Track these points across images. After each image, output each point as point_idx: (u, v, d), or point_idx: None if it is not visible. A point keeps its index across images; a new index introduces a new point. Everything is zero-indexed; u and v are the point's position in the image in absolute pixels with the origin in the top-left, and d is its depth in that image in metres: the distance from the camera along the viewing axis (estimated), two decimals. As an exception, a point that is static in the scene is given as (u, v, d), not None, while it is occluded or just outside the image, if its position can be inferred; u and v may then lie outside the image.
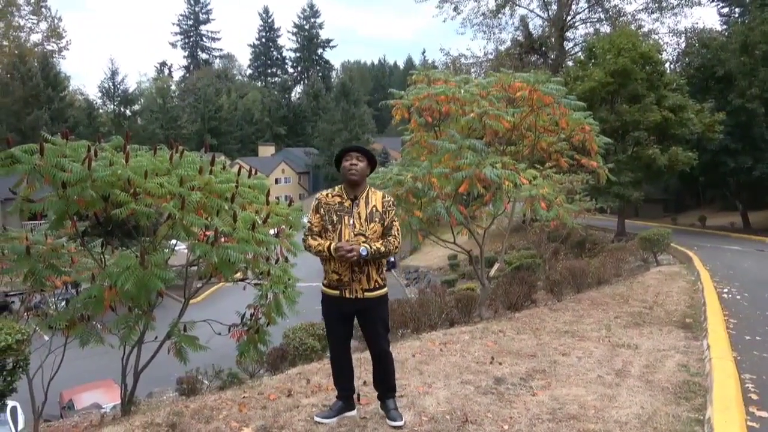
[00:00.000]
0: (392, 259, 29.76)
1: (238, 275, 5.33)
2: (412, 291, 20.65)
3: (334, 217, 3.16)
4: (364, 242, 3.11)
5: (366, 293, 3.18)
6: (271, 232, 5.00)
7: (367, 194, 3.23)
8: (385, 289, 3.28)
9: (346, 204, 3.18)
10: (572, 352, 5.41)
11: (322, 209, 3.22)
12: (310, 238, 3.25)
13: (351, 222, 3.14)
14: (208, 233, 4.43)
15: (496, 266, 10.73)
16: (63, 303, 5.67)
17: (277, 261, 5.19)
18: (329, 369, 4.90)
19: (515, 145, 9.91)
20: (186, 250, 4.96)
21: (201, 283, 5.43)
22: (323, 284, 3.27)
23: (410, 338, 6.54)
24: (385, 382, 3.37)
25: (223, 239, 4.35)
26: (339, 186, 3.31)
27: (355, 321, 3.32)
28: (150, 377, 5.51)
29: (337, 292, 3.20)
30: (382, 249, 3.12)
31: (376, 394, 3.45)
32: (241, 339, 5.38)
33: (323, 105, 66.11)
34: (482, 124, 8.18)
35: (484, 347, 5.66)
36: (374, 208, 3.18)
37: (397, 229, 3.24)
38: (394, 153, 47.96)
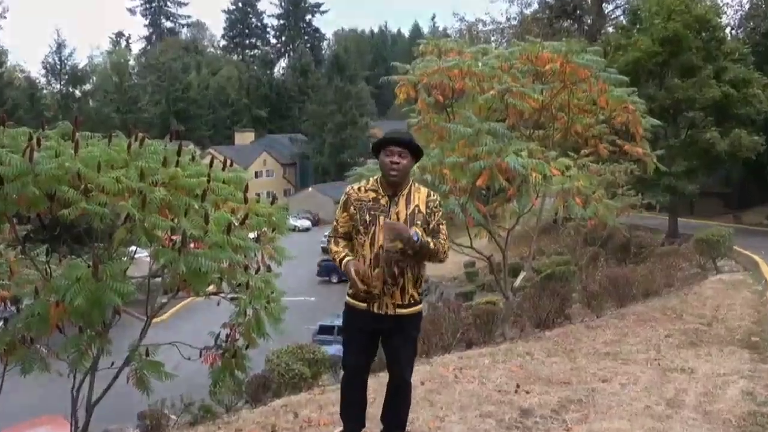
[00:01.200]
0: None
1: (211, 288, 5.33)
2: (422, 306, 20.81)
3: (367, 217, 3.17)
4: (401, 248, 3.12)
5: (398, 309, 3.20)
6: (251, 235, 5.01)
7: (410, 191, 3.23)
8: (421, 306, 3.33)
9: (383, 201, 3.18)
10: (614, 378, 5.40)
11: (352, 206, 3.23)
12: (332, 241, 3.30)
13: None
14: (174, 237, 4.43)
15: (522, 275, 10.73)
16: (0, 322, 5.69)
17: (257, 270, 5.19)
18: (320, 399, 4.90)
19: (544, 128, 9.93)
20: (148, 258, 4.97)
21: (166, 297, 5.42)
22: (348, 294, 3.29)
23: (419, 362, 6.54)
24: (396, 418, 3.39)
25: (192, 244, 4.35)
26: (374, 178, 3.31)
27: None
28: (106, 411, 5.52)
29: (363, 305, 3.22)
30: (431, 246, 3.14)
31: (380, 429, 3.45)
32: (215, 365, 5.38)
33: (312, 82, 66.18)
34: (504, 104, 8.20)
35: (508, 373, 5.65)
36: (416, 209, 3.19)
37: (445, 235, 3.27)
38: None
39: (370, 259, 3.11)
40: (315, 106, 58.21)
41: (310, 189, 53.29)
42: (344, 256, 3.18)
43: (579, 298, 10.26)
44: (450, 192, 7.83)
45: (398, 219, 3.13)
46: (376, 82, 37.91)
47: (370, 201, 3.19)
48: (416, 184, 3.30)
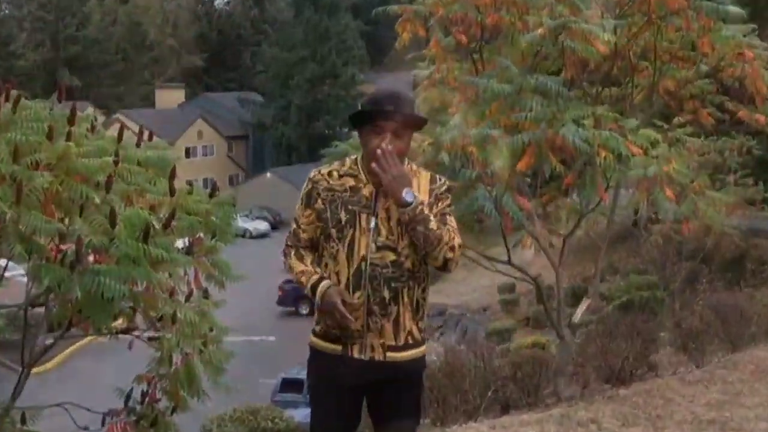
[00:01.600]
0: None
1: (119, 323, 5.33)
2: (435, 348, 20.68)
3: (343, 215, 3.12)
4: (394, 260, 3.12)
5: (391, 353, 3.16)
6: (179, 244, 5.01)
7: None
8: (423, 348, 3.27)
9: (366, 192, 3.14)
10: (723, 459, 5.42)
11: (320, 199, 3.20)
12: (293, 254, 3.26)
13: (373, 224, 3.12)
14: (64, 247, 4.43)
15: (584, 305, 10.75)
16: None
17: (189, 297, 5.20)
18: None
19: (618, 85, 9.94)
20: (24, 279, 4.96)
21: (53, 337, 5.41)
22: (314, 332, 3.26)
23: (431, 434, 6.56)
24: None
25: (92, 257, 4.35)
26: (353, 158, 3.29)
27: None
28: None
29: (338, 348, 3.19)
30: (433, 228, 3.06)
31: None
32: (126, 437, 5.39)
33: (273, 15, 66.20)
34: (559, 48, 8.19)
35: (565, 450, 5.67)
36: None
37: (454, 229, 3.17)
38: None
39: (348, 278, 3.09)
40: (276, 50, 58.21)
41: (268, 175, 53.37)
42: (318, 280, 3.12)
43: (670, 339, 10.28)
44: (478, 180, 7.83)
45: (389, 217, 3.11)
46: (367, 15, 37.78)
47: (347, 192, 3.14)
48: (414, 165, 3.27)
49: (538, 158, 7.42)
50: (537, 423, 6.48)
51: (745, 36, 9.00)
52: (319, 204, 3.16)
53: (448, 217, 3.16)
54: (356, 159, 3.23)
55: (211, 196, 5.44)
